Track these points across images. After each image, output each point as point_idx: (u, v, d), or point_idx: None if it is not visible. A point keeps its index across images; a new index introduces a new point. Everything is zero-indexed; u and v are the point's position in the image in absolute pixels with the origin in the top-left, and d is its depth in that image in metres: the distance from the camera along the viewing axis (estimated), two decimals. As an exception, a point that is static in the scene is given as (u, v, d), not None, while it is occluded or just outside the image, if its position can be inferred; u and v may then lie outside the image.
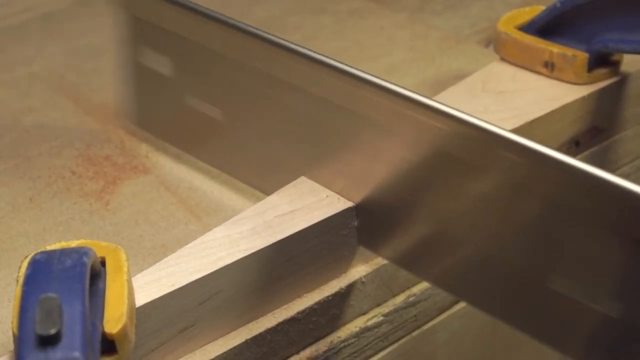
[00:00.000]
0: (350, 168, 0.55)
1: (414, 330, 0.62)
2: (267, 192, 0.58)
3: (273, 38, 0.57)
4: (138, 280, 0.49)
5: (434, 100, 0.51)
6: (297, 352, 0.56)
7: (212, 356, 0.52)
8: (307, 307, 0.55)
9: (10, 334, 0.51)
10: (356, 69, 0.54)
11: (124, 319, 0.44)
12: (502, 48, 0.68)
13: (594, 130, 0.66)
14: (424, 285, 0.61)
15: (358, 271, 0.57)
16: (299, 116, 0.58)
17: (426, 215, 0.53)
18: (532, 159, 0.48)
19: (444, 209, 0.53)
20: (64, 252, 0.44)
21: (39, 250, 0.46)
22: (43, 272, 0.43)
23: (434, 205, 0.53)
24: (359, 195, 0.55)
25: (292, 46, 0.56)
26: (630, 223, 0.45)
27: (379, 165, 0.54)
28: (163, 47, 0.65)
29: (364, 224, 0.56)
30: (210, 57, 0.61)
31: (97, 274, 0.46)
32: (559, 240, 0.49)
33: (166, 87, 0.66)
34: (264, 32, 0.58)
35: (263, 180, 0.61)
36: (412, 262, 0.56)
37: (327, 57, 0.55)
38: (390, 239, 0.56)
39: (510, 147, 0.49)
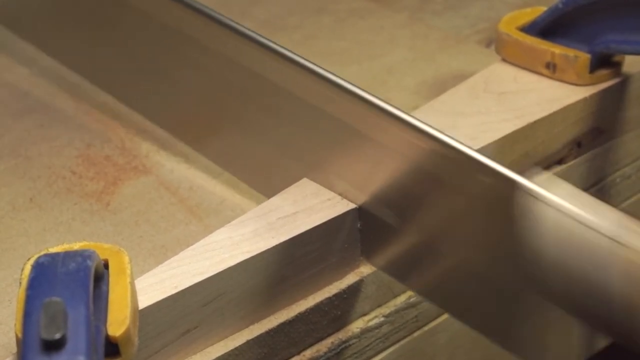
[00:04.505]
0: (351, 172, 0.55)
1: (415, 331, 0.62)
2: (266, 194, 0.58)
3: (277, 47, 0.57)
4: (141, 283, 0.49)
5: (412, 117, 0.52)
6: (298, 353, 0.56)
7: (213, 357, 0.52)
8: (308, 308, 0.55)
9: (12, 335, 0.51)
10: (345, 80, 0.54)
11: (128, 321, 0.44)
12: (503, 49, 0.67)
13: (596, 131, 0.66)
14: (424, 285, 0.61)
15: (359, 272, 0.57)
16: (294, 121, 0.58)
17: (414, 227, 0.54)
18: (501, 182, 0.48)
19: (428, 223, 0.53)
20: (67, 255, 0.44)
21: (41, 252, 0.46)
22: (47, 275, 0.43)
23: (421, 218, 0.53)
24: (362, 198, 0.55)
25: (291, 55, 0.56)
26: None
27: (377, 172, 0.54)
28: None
29: (366, 226, 0.56)
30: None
31: (100, 276, 0.46)
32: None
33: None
34: (260, 35, 0.58)
35: (262, 183, 0.62)
36: (402, 273, 0.56)
37: (320, 67, 0.55)
38: (385, 246, 0.56)
39: (480, 168, 0.49)
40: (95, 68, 0.73)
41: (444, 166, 0.51)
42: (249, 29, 0.58)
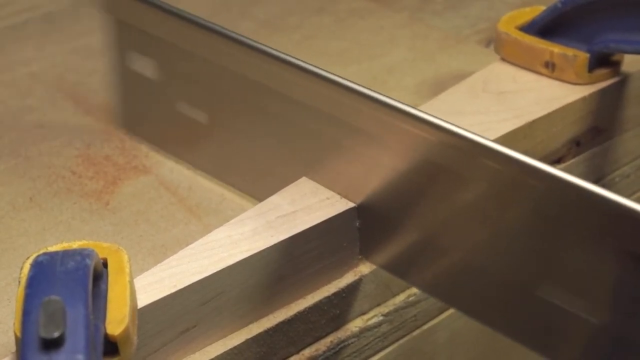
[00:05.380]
0: (350, 171, 0.55)
1: (414, 330, 0.62)
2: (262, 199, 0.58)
3: (267, 49, 0.57)
4: (140, 281, 0.49)
5: (418, 110, 0.52)
6: (297, 352, 0.56)
7: (212, 356, 0.52)
8: (307, 307, 0.55)
9: (11, 334, 0.51)
10: (344, 78, 0.54)
11: (126, 320, 0.44)
12: (502, 48, 0.68)
13: (595, 130, 0.66)
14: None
15: (358, 271, 0.57)
16: (293, 124, 0.58)
17: (418, 222, 0.54)
18: (514, 168, 0.48)
19: (433, 217, 0.53)
20: (66, 254, 0.44)
21: (40, 251, 0.46)
22: (46, 274, 0.43)
23: (425, 212, 0.53)
24: (361, 196, 0.55)
25: (287, 58, 0.56)
26: (615, 233, 0.46)
27: (376, 169, 0.54)
28: (149, 51, 0.65)
29: (365, 225, 0.56)
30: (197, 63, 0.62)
31: (99, 275, 0.46)
32: (544, 249, 0.49)
33: (153, 91, 0.67)
34: (256, 42, 0.58)
35: (259, 187, 0.62)
36: (405, 269, 0.56)
37: (317, 67, 0.55)
38: (386, 244, 0.56)
39: (492, 156, 0.49)
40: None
41: (446, 156, 0.51)
42: (238, 34, 0.58)
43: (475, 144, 0.50)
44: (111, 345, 0.44)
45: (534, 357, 0.73)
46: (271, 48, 0.57)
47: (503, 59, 0.68)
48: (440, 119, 0.51)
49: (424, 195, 0.53)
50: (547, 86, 0.65)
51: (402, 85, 0.75)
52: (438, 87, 0.72)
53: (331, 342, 0.57)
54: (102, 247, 0.48)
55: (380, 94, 0.53)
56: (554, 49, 0.65)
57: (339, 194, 0.56)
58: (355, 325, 0.58)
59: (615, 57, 0.66)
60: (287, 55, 0.56)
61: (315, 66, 0.55)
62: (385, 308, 0.59)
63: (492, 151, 0.49)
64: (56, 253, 0.45)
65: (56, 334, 0.40)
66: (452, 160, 0.51)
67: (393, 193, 0.54)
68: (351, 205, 0.55)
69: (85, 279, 0.43)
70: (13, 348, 0.45)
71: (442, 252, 0.54)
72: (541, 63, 0.66)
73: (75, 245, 0.48)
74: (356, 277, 0.57)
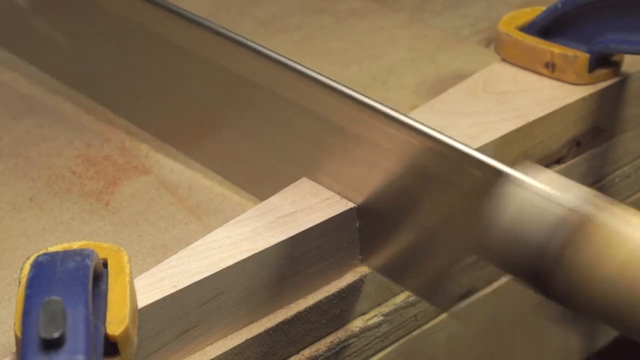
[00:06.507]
0: (350, 172, 0.55)
1: (414, 330, 0.62)
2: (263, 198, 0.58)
3: (260, 48, 0.57)
4: (140, 282, 0.49)
5: (403, 115, 0.52)
6: (297, 352, 0.56)
7: (212, 356, 0.52)
8: (307, 307, 0.55)
9: (11, 334, 0.51)
10: (335, 81, 0.55)
11: (127, 320, 0.44)
12: (503, 49, 0.68)
13: (595, 130, 0.66)
14: (424, 285, 0.61)
15: (358, 271, 0.57)
16: (288, 125, 0.58)
17: (412, 225, 0.54)
18: (494, 176, 0.48)
19: (425, 221, 0.53)
20: (66, 254, 0.44)
21: (40, 252, 0.46)
22: (46, 274, 0.43)
23: (418, 216, 0.54)
24: (361, 197, 0.55)
25: (282, 59, 0.57)
26: None
27: (374, 172, 0.54)
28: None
29: (365, 226, 0.56)
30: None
31: (99, 275, 0.46)
32: None
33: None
34: (250, 40, 0.58)
35: (260, 186, 0.62)
36: (398, 272, 0.56)
37: (307, 67, 0.56)
38: (382, 245, 0.56)
39: (472, 162, 0.50)
40: (85, 78, 0.73)
41: (439, 164, 0.51)
42: (238, 34, 0.58)
43: (455, 151, 0.50)
44: (111, 346, 0.44)
45: (533, 357, 0.73)
46: (266, 48, 0.57)
47: (503, 60, 0.68)
48: (424, 124, 0.51)
49: (417, 199, 0.53)
50: (547, 86, 0.65)
51: (402, 85, 0.75)
52: (438, 87, 0.72)
53: (331, 342, 0.57)
54: (102, 248, 0.48)
55: (370, 98, 0.53)
56: (554, 49, 0.65)
57: (339, 194, 0.56)
58: (355, 325, 0.58)
59: (616, 58, 0.66)
60: (281, 55, 0.57)
61: (304, 66, 0.56)
62: (385, 308, 0.59)
63: (471, 158, 0.50)
64: (56, 253, 0.45)
65: (56, 335, 0.40)
66: (437, 165, 0.51)
67: (390, 195, 0.54)
68: (351, 205, 0.55)
69: (86, 279, 0.43)
70: (13, 348, 0.45)
71: (434, 256, 0.54)
72: (541, 63, 0.66)
73: (76, 245, 0.48)
74: (356, 278, 0.57)
